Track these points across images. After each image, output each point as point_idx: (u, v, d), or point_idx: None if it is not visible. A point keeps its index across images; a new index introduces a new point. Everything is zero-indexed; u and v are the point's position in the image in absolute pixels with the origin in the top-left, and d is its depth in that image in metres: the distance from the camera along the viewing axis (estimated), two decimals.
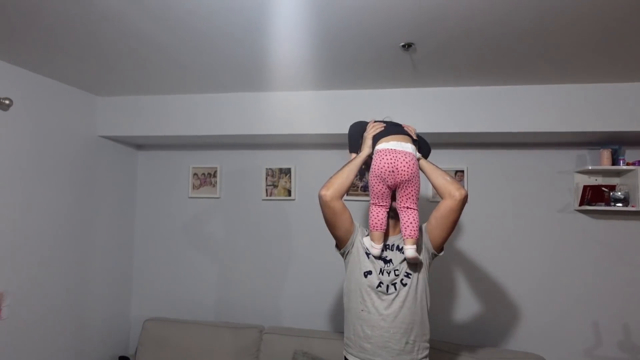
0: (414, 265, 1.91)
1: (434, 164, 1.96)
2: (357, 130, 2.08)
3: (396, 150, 1.86)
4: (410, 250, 1.84)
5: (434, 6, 1.69)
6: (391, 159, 1.85)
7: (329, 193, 1.88)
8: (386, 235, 1.95)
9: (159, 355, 3.10)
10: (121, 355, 3.25)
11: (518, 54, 2.15)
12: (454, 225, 1.89)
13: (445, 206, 1.85)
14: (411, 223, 1.86)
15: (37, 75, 2.60)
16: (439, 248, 1.96)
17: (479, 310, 2.98)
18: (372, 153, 1.96)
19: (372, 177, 1.91)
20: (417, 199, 1.91)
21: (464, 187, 1.92)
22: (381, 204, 1.91)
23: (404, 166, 1.84)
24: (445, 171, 1.93)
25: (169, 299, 3.43)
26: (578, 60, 2.21)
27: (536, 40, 1.98)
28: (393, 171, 1.84)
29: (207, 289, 3.38)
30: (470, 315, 2.99)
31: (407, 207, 1.89)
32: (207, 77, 2.62)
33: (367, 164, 2.03)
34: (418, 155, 1.95)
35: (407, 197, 1.88)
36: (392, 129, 1.97)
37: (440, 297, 2.98)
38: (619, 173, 2.81)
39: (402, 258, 1.90)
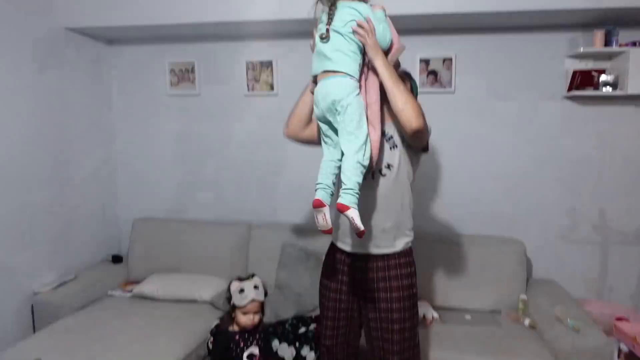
0: (395, 156, 1.74)
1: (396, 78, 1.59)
2: None
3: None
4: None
5: None
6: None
7: (289, 130, 1.83)
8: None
9: (150, 253, 3.17)
10: (114, 254, 3.33)
11: None
12: (422, 143, 1.74)
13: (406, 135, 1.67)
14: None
15: None
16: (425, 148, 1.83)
17: (461, 200, 3.03)
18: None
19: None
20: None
21: (422, 116, 1.60)
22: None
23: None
24: (406, 90, 1.60)
25: (155, 200, 3.43)
26: None
27: None
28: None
29: (192, 188, 3.37)
30: (452, 207, 3.05)
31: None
32: None
33: None
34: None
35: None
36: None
37: (422, 190, 3.02)
38: (610, 57, 2.73)
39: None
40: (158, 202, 3.43)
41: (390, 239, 1.78)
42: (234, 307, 2.00)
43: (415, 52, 2.89)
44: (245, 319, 1.96)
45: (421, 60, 2.90)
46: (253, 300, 1.96)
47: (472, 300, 2.77)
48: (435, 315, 2.63)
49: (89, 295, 2.84)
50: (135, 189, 3.46)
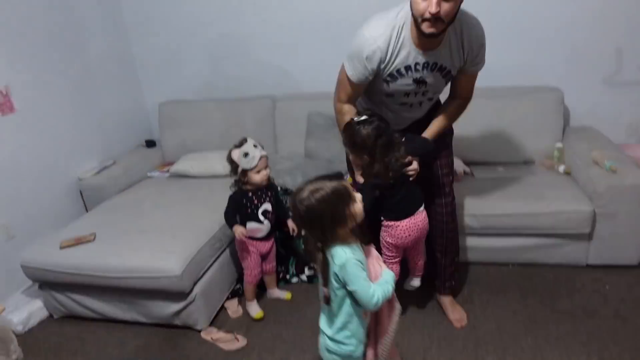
0: None
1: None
2: None
3: None
4: None
5: None
6: None
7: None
8: None
9: (179, 134, 3.21)
10: (147, 139, 3.41)
11: None
12: None
13: None
14: None
15: None
16: None
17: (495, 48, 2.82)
18: None
19: None
20: None
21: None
22: None
23: None
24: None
25: (179, 82, 3.39)
26: None
27: None
28: None
29: (214, 66, 3.28)
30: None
31: None
32: None
33: None
34: None
35: None
36: None
37: None
38: None
39: None
40: (180, 85, 3.39)
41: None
42: (244, 173, 2.03)
43: None
44: (260, 176, 2.02)
45: None
46: (262, 157, 2.01)
47: (505, 153, 2.72)
48: (467, 169, 2.62)
49: (129, 178, 2.98)
50: (155, 75, 3.41)
